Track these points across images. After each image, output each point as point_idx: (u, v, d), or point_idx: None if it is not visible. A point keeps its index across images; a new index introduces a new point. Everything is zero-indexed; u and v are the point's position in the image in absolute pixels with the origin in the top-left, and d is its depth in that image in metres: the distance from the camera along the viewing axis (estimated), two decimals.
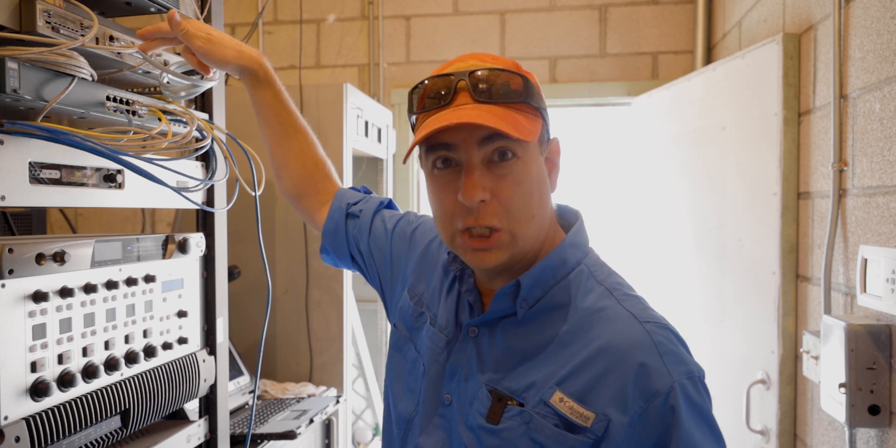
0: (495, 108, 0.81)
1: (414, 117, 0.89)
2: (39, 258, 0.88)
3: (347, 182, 2.25)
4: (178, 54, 1.19)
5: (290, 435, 1.75)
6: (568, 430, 0.79)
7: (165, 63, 1.13)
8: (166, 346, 1.14)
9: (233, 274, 1.99)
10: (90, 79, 0.95)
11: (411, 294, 1.04)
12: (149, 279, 1.10)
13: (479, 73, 0.82)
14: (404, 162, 0.87)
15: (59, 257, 0.91)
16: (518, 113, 0.82)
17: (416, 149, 0.87)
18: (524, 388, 0.83)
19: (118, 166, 1.01)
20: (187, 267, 1.22)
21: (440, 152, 0.84)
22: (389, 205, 1.23)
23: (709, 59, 2.68)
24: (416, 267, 1.06)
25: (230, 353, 2.01)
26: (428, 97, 0.85)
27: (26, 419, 0.86)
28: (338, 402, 2.11)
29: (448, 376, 0.90)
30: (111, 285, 1.01)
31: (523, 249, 0.85)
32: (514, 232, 0.83)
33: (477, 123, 0.78)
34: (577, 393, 0.79)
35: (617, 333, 0.81)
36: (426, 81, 0.86)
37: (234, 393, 1.99)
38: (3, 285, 0.83)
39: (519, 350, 0.86)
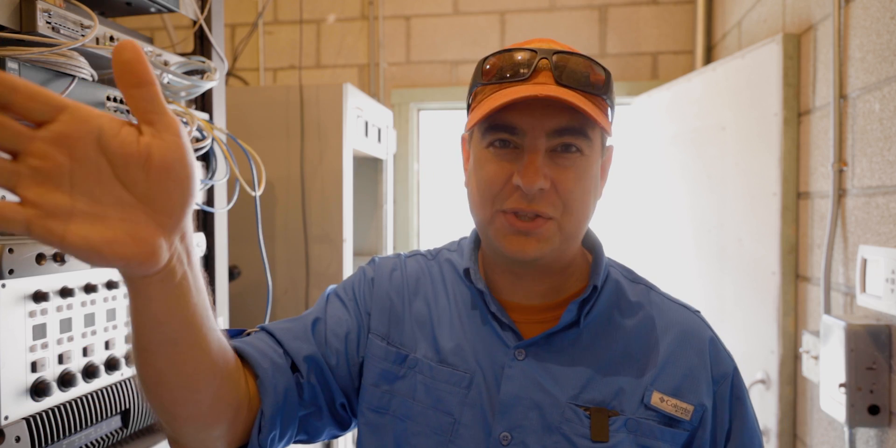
0: (577, 94, 0.74)
1: (477, 88, 0.80)
2: (40, 258, 0.88)
3: (348, 182, 2.26)
4: (180, 55, 1.19)
5: None
6: (668, 426, 0.78)
7: (166, 63, 1.13)
8: None
9: (233, 274, 1.99)
10: (90, 79, 0.95)
11: (381, 338, 0.85)
12: None
13: (563, 55, 0.76)
14: (467, 130, 0.79)
15: (60, 257, 0.91)
16: (595, 105, 0.76)
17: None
18: (612, 395, 0.78)
19: None
20: None
21: (501, 134, 0.76)
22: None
23: (709, 59, 2.68)
24: (387, 308, 0.89)
25: None
26: (503, 69, 0.76)
27: (27, 419, 0.86)
28: None
29: (501, 413, 0.78)
30: (111, 285, 1.01)
31: (563, 249, 0.79)
32: (564, 227, 0.76)
33: (564, 99, 0.71)
34: (672, 389, 0.79)
35: (686, 326, 0.85)
36: (502, 53, 0.78)
37: None
38: (4, 285, 0.83)
39: (586, 359, 0.80)
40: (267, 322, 1.30)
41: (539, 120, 0.74)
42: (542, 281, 0.83)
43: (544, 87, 0.73)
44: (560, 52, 0.76)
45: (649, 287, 0.89)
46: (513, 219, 0.75)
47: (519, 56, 0.76)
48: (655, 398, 0.79)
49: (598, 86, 0.76)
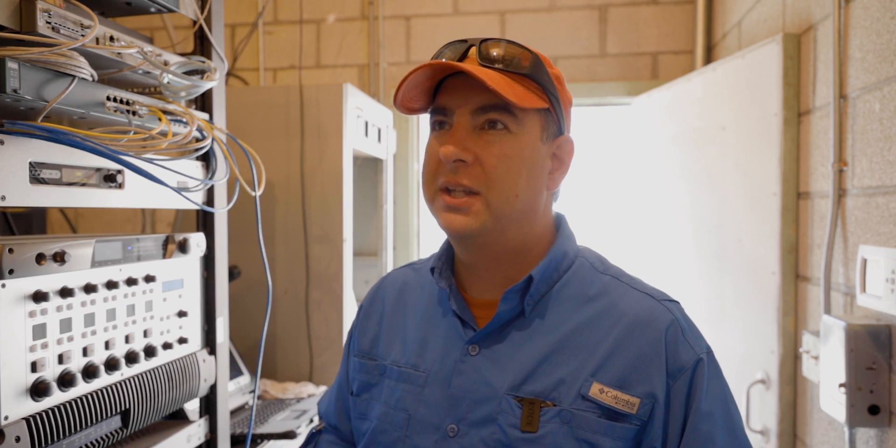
0: (495, 73, 0.79)
1: None
2: (40, 258, 0.88)
3: (348, 182, 2.26)
4: (180, 55, 1.19)
5: (290, 435, 1.75)
6: (612, 419, 0.77)
7: (166, 63, 1.13)
8: (166, 345, 1.14)
9: (233, 274, 1.99)
10: (90, 79, 0.94)
11: (361, 355, 0.97)
12: (149, 279, 1.10)
13: (491, 41, 0.82)
14: (394, 102, 0.85)
15: (60, 257, 0.91)
16: (518, 84, 0.81)
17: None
18: (552, 387, 0.79)
19: (118, 166, 1.01)
20: (187, 267, 1.22)
21: (437, 116, 0.84)
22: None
23: (709, 59, 2.68)
24: (373, 330, 0.99)
25: (230, 353, 2.01)
26: (440, 55, 0.85)
27: (26, 419, 0.86)
28: None
29: (450, 407, 0.83)
30: (111, 285, 1.01)
31: (496, 228, 0.81)
32: (491, 202, 0.79)
33: (463, 68, 0.76)
34: (616, 381, 0.78)
35: (642, 316, 0.82)
36: (447, 45, 0.85)
37: (234, 393, 1.99)
38: (4, 285, 0.83)
39: (533, 350, 0.82)
40: (266, 322, 1.30)
41: (465, 98, 0.80)
42: (494, 272, 0.86)
43: (458, 64, 0.78)
44: (488, 39, 0.82)
45: (615, 277, 0.87)
46: (446, 196, 0.81)
47: (453, 45, 0.84)
48: (595, 389, 0.78)
49: (522, 64, 0.81)
